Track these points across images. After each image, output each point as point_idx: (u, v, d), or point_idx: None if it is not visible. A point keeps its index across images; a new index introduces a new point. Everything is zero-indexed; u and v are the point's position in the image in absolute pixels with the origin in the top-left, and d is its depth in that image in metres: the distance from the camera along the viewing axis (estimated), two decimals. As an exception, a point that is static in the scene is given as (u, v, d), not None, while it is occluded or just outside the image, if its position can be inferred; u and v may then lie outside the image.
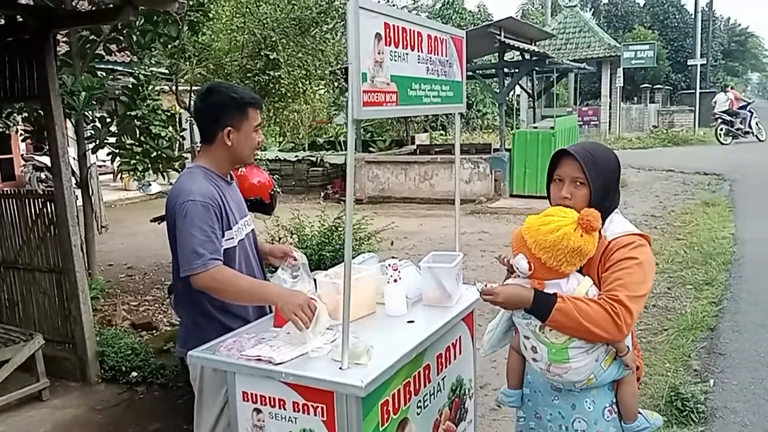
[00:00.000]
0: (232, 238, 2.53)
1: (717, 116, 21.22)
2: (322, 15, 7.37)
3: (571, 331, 1.94)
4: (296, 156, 16.27)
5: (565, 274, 1.98)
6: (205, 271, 2.32)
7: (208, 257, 2.33)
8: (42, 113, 4.73)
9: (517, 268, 2.00)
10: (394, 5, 17.32)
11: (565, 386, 2.08)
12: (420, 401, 2.35)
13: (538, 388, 2.21)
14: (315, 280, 2.59)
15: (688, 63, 30.24)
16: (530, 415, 2.24)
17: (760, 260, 7.16)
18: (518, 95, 24.11)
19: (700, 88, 27.72)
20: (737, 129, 20.71)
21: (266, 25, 7.02)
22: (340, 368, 2.00)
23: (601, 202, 2.05)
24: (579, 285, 1.98)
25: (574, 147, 2.11)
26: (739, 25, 59.30)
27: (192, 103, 7.48)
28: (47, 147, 4.57)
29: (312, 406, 2.03)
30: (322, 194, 13.97)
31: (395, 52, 2.19)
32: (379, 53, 2.08)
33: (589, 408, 2.08)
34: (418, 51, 2.38)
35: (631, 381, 2.12)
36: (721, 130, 20.86)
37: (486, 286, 2.05)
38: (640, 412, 2.16)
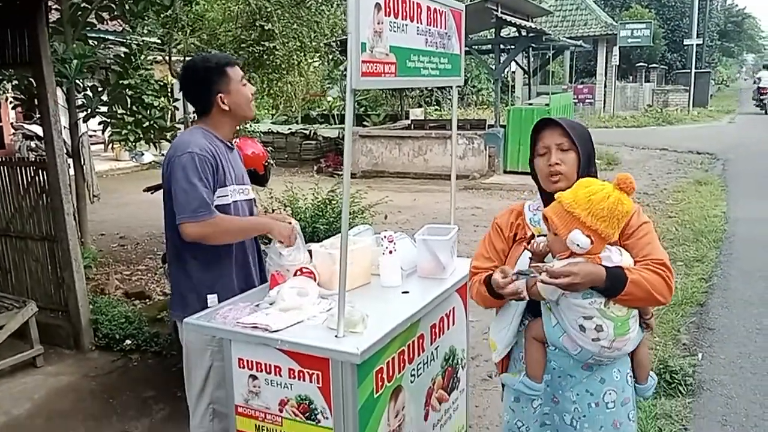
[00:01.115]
0: (227, 195, 2.56)
1: (763, 90, 26.46)
2: (318, -15, 7.29)
3: (638, 302, 1.92)
4: (289, 129, 16.17)
5: (608, 248, 1.92)
6: (205, 219, 2.41)
7: (209, 204, 2.44)
8: (33, 81, 4.67)
9: (577, 245, 1.87)
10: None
11: (616, 358, 2.01)
12: (414, 370, 2.39)
13: (565, 372, 2.06)
14: (310, 251, 2.60)
15: (684, 43, 30.11)
16: (547, 400, 2.13)
17: (751, 239, 7.24)
18: (514, 72, 24.03)
19: (696, 68, 27.66)
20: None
21: (261, -5, 6.94)
22: (336, 336, 2.02)
23: (588, 168, 2.06)
24: (623, 256, 1.94)
25: (553, 116, 2.13)
26: (736, 5, 58.89)
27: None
28: (38, 115, 4.53)
29: (308, 372, 2.05)
30: (315, 168, 13.93)
31: (395, 22, 2.18)
32: (378, 23, 2.07)
33: (616, 378, 2.06)
34: (418, 22, 2.37)
35: (645, 342, 2.14)
36: (763, 102, 26.28)
37: (549, 267, 1.87)
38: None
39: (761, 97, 26.84)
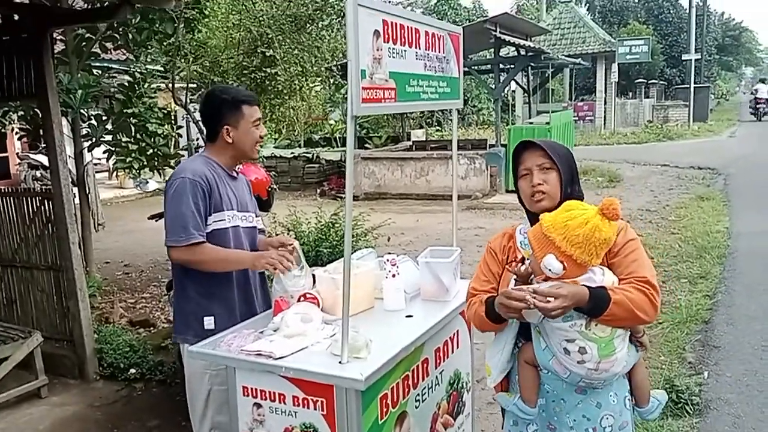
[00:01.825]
0: (224, 220, 2.62)
1: (759, 100, 29.26)
2: (318, 12, 7.38)
3: (622, 322, 1.90)
4: (292, 153, 16.30)
5: (590, 267, 1.91)
6: (189, 244, 2.48)
7: (192, 232, 2.49)
8: (39, 111, 4.74)
9: (549, 270, 1.88)
10: (390, 2, 17.33)
11: (606, 381, 1.98)
12: (419, 395, 2.38)
13: (558, 396, 2.04)
14: (314, 275, 2.62)
15: (683, 58, 30.24)
16: (542, 426, 2.10)
17: (754, 253, 7.22)
18: (513, 91, 24.16)
19: (695, 83, 27.78)
20: (765, 110, 28.90)
21: (262, 22, 7.03)
22: (340, 362, 2.02)
23: (571, 187, 2.07)
24: (605, 275, 1.93)
25: (532, 138, 2.15)
26: (733, 19, 59.33)
27: (188, 100, 7.48)
28: (43, 145, 4.57)
29: (312, 400, 2.05)
30: (318, 191, 13.98)
31: (393, 48, 2.22)
32: (377, 50, 2.11)
33: (613, 401, 2.04)
34: (416, 48, 2.41)
35: (642, 363, 2.13)
36: (759, 111, 29.12)
37: (535, 291, 1.81)
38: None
39: (757, 107, 29.47)
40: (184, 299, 2.69)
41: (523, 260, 2.06)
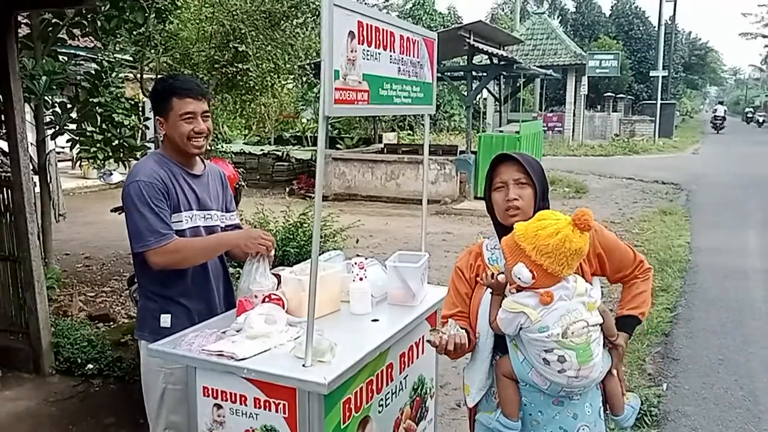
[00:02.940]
0: (180, 221, 2.53)
1: (717, 117, 37.48)
2: (293, 9, 7.31)
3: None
4: (262, 150, 16.13)
5: (563, 277, 1.92)
6: (160, 246, 2.41)
7: (162, 233, 2.41)
8: (0, 97, 4.59)
9: (519, 278, 1.89)
10: (365, 3, 17.30)
11: (585, 388, 2.00)
12: (382, 399, 2.36)
13: (536, 408, 2.05)
14: (279, 276, 2.58)
15: (651, 74, 30.96)
16: None
17: (714, 268, 7.39)
18: (485, 98, 24.39)
19: (661, 99, 28.42)
20: (721, 125, 36.72)
21: (236, 17, 6.94)
22: (303, 365, 1.99)
23: (543, 202, 2.09)
24: (577, 283, 1.94)
25: (511, 151, 2.16)
26: (700, 39, 60.97)
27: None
28: (4, 131, 4.43)
29: (274, 402, 2.02)
30: (287, 189, 13.89)
31: (368, 51, 2.20)
32: (351, 51, 2.08)
33: (588, 412, 2.04)
34: (391, 51, 2.39)
35: (614, 372, 2.13)
36: (717, 125, 36.85)
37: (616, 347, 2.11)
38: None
39: (715, 122, 37.32)
40: (143, 295, 2.64)
41: (493, 276, 2.04)
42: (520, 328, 1.92)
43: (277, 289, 2.52)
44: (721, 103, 42.33)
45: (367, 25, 2.17)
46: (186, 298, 2.58)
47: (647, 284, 2.18)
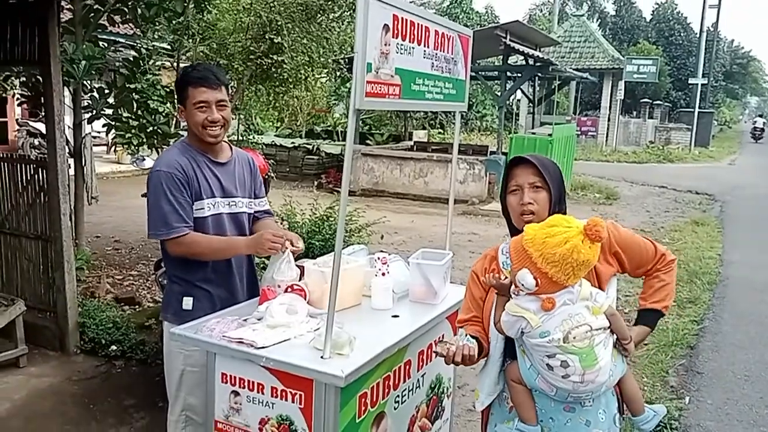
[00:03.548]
0: (202, 209, 2.57)
1: (757, 128, 39.34)
2: (329, 2, 7.33)
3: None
4: (292, 143, 16.23)
5: (568, 286, 1.88)
6: (170, 238, 2.49)
7: (174, 225, 2.48)
8: (41, 79, 4.69)
9: (522, 284, 1.85)
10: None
11: (594, 393, 1.95)
12: (398, 396, 2.36)
13: (547, 415, 2.02)
14: (302, 267, 2.59)
15: (690, 81, 30.39)
16: None
17: (744, 282, 7.23)
18: (519, 100, 24.19)
19: (699, 108, 27.88)
20: (759, 135, 38.51)
21: (273, 9, 6.98)
22: (322, 357, 2.00)
23: (559, 206, 2.05)
24: (582, 287, 1.90)
25: (526, 154, 2.12)
26: (743, 48, 59.60)
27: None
28: (43, 113, 4.52)
29: (290, 392, 2.03)
30: (316, 183, 13.95)
31: (402, 45, 2.19)
32: (385, 45, 2.08)
33: (602, 419, 2.01)
34: (425, 46, 2.38)
35: (630, 376, 2.11)
36: (756, 135, 38.64)
37: (627, 340, 2.01)
38: (644, 405, 2.15)
39: (755, 132, 39.00)
40: (168, 279, 2.72)
41: (496, 276, 2.02)
42: (522, 332, 1.89)
43: (300, 280, 2.53)
44: (760, 115, 46.53)
45: (402, 18, 2.16)
46: (208, 283, 2.63)
47: (670, 276, 2.12)
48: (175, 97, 2.65)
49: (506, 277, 1.99)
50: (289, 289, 2.43)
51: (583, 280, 1.92)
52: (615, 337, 1.98)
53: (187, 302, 2.60)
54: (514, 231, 2.09)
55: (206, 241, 2.55)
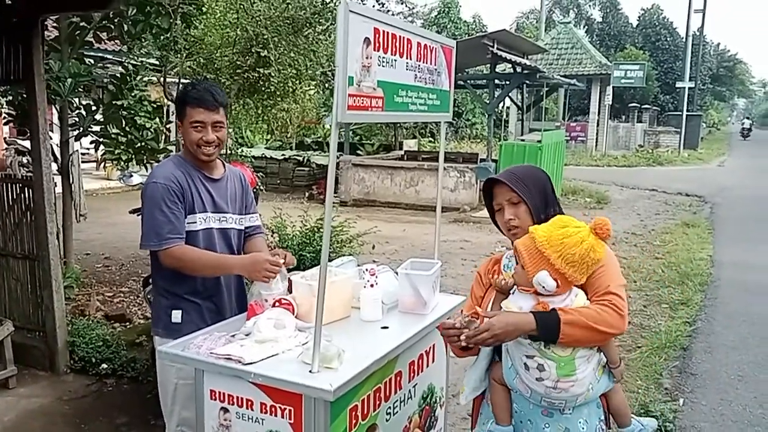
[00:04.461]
0: (195, 222, 2.59)
1: (743, 129, 44.86)
2: (316, 15, 7.34)
3: (583, 341, 1.86)
4: (283, 155, 16.22)
5: (576, 285, 1.91)
6: (162, 249, 2.50)
7: (165, 236, 2.49)
8: (26, 97, 4.67)
9: (542, 287, 1.87)
10: (389, 11, 17.32)
11: (568, 402, 1.94)
12: (390, 408, 2.35)
13: (525, 417, 2.03)
14: (290, 280, 2.58)
15: (677, 85, 30.64)
16: None
17: (736, 283, 7.26)
18: (508, 107, 24.28)
19: (687, 111, 28.08)
20: (747, 134, 43.65)
21: (259, 23, 6.98)
22: (310, 371, 1.98)
23: (544, 212, 2.06)
24: (576, 297, 1.92)
25: (499, 174, 2.15)
26: (729, 51, 60.13)
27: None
28: (29, 131, 4.50)
29: (280, 407, 2.01)
30: (307, 194, 13.94)
31: (384, 57, 2.19)
32: (367, 58, 2.08)
33: (582, 428, 2.00)
34: (407, 58, 2.38)
35: (618, 389, 2.11)
36: (744, 134, 43.78)
37: (468, 318, 1.90)
38: (632, 417, 2.15)
39: (743, 132, 44.23)
40: (156, 292, 2.72)
41: (505, 279, 2.05)
42: None
43: (288, 293, 2.52)
44: (748, 118, 55.22)
45: (383, 31, 2.16)
46: (196, 296, 2.64)
47: (597, 308, 1.86)
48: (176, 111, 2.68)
49: (504, 279, 2.03)
50: (277, 304, 2.42)
51: (580, 292, 1.94)
52: (603, 357, 1.99)
53: (176, 315, 2.62)
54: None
55: (198, 256, 2.55)
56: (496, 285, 2.02)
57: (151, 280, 2.84)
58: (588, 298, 1.93)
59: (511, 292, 2.00)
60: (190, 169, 2.62)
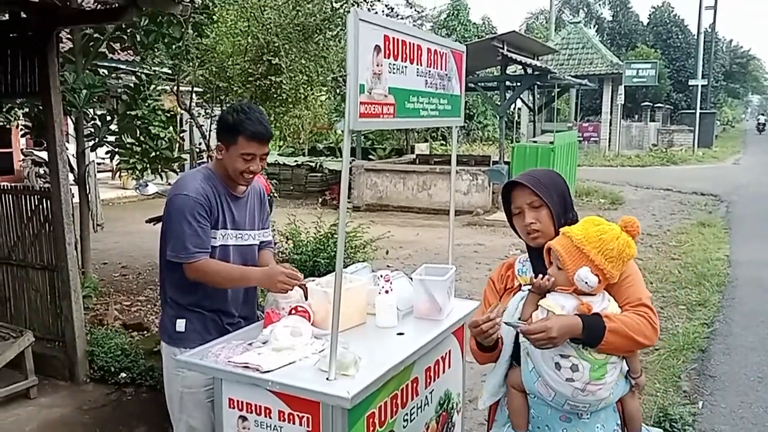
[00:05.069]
0: (215, 238, 2.61)
1: (760, 123, 46.31)
2: (326, 22, 7.38)
3: (620, 349, 1.89)
4: (295, 161, 16.31)
5: (610, 282, 1.93)
6: (189, 263, 2.50)
7: (192, 250, 2.49)
8: (42, 109, 4.73)
9: (585, 283, 1.88)
10: (398, 15, 17.34)
11: (591, 406, 1.95)
12: (407, 414, 2.35)
13: (543, 422, 2.03)
14: (306, 287, 2.60)
15: (690, 83, 30.42)
16: None
17: (754, 283, 7.18)
18: (519, 108, 24.22)
19: (701, 109, 27.86)
20: (763, 128, 44.95)
21: (270, 31, 7.03)
22: (327, 379, 1.99)
23: (564, 216, 2.08)
24: (610, 302, 1.94)
25: (518, 176, 2.15)
26: (741, 47, 59.58)
27: (192, 104, 7.50)
28: (46, 143, 4.56)
29: (298, 415, 2.02)
30: (320, 200, 13.98)
31: (394, 64, 2.20)
32: (377, 65, 2.09)
33: None
34: (417, 64, 2.39)
35: (634, 395, 2.11)
36: (760, 129, 45.33)
37: (526, 323, 1.88)
38: (642, 425, 2.15)
39: (759, 127, 45.75)
40: (164, 301, 2.75)
41: (520, 287, 2.07)
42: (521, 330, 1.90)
43: (303, 301, 2.54)
44: (762, 114, 54.66)
45: (393, 39, 2.17)
46: (201, 307, 2.66)
47: (636, 318, 1.89)
48: (216, 128, 2.65)
49: (548, 277, 1.99)
50: (293, 311, 2.43)
51: (611, 298, 1.96)
52: (625, 365, 2.00)
53: (180, 324, 2.64)
54: (531, 249, 2.14)
55: (220, 268, 2.57)
56: (536, 284, 1.99)
57: (159, 288, 2.87)
58: (619, 307, 1.95)
59: (546, 294, 1.99)
60: (217, 185, 2.62)
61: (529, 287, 2.03)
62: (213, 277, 2.55)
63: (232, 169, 2.59)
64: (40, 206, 4.55)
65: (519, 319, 2.00)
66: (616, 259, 1.88)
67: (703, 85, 28.60)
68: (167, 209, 2.56)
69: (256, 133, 2.55)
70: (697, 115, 27.47)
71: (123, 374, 4.41)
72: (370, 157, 17.07)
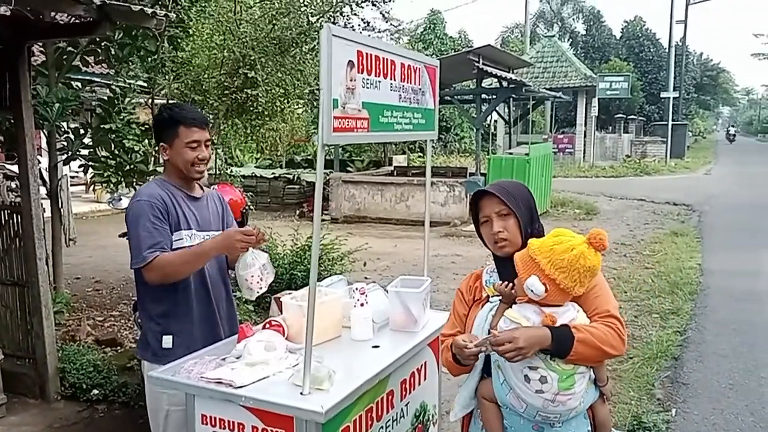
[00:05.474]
0: (181, 239, 2.60)
1: (730, 134, 52.04)
2: (302, 35, 7.39)
3: (589, 359, 1.91)
4: (273, 173, 16.24)
5: (574, 295, 1.94)
6: (145, 264, 2.47)
7: (145, 253, 2.47)
8: (13, 123, 4.67)
9: (531, 291, 1.91)
10: (375, 29, 17.44)
11: (562, 416, 1.96)
12: (382, 427, 2.35)
13: None
14: (281, 302, 2.59)
15: (662, 95, 30.96)
16: None
17: (725, 291, 7.31)
18: (495, 121, 24.44)
19: (673, 120, 28.36)
20: (733, 138, 50.53)
21: (246, 44, 7.02)
22: (301, 393, 1.99)
23: (530, 226, 2.11)
24: (579, 313, 1.96)
25: (487, 186, 2.19)
26: (711, 60, 60.96)
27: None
28: (17, 158, 4.50)
29: (271, 430, 2.01)
30: (298, 212, 13.94)
31: (368, 79, 2.23)
32: (351, 80, 2.11)
33: None
34: (391, 79, 2.42)
35: (605, 402, 2.13)
36: (730, 138, 50.12)
37: (494, 334, 1.88)
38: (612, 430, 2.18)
39: (729, 137, 51.52)
40: (145, 317, 2.70)
41: (488, 298, 2.08)
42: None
43: (279, 313, 2.53)
44: (732, 126, 63.89)
45: (366, 54, 2.20)
46: (187, 320, 2.63)
47: (604, 329, 1.91)
48: (154, 134, 2.70)
49: (491, 296, 2.06)
50: (267, 326, 2.43)
51: (581, 309, 1.99)
52: (592, 373, 2.02)
53: (167, 341, 2.60)
54: (498, 259, 2.15)
55: (175, 257, 2.53)
56: (498, 291, 2.03)
57: (138, 306, 2.82)
58: (588, 317, 1.98)
59: (517, 302, 2.02)
60: (173, 189, 2.65)
61: (500, 298, 2.05)
62: (170, 269, 2.50)
63: (183, 162, 2.61)
64: (11, 221, 4.47)
65: (489, 329, 2.01)
66: (568, 269, 1.88)
67: (674, 98, 29.13)
68: (126, 220, 2.58)
69: (194, 119, 2.64)
70: (670, 126, 27.95)
71: (95, 391, 4.33)
72: (348, 168, 17.07)
